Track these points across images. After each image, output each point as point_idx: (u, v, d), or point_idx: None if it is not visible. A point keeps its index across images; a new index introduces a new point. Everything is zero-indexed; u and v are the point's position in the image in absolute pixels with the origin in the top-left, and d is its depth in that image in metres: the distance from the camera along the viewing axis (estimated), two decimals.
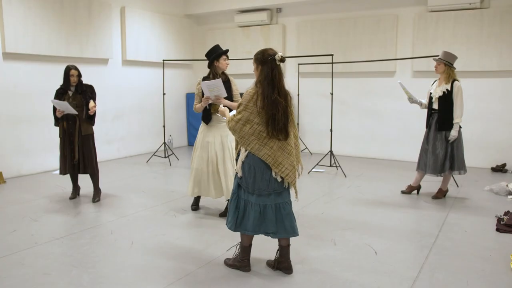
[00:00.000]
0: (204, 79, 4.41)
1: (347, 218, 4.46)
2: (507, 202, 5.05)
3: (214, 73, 4.40)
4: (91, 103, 4.83)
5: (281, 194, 3.05)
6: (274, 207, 3.02)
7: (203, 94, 4.30)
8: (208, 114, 4.44)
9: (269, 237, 3.08)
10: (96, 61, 7.58)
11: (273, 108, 2.88)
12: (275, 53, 2.94)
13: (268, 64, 2.93)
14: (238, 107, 2.99)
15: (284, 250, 3.16)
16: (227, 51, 4.46)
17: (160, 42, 8.77)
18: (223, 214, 4.49)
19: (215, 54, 4.37)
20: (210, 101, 4.25)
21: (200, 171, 4.43)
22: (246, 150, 2.99)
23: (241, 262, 3.21)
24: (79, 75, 4.90)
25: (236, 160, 3.10)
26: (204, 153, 4.42)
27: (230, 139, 4.43)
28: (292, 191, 3.11)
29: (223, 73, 4.49)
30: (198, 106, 4.37)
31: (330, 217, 4.49)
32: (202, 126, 4.53)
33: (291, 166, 3.00)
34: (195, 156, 4.50)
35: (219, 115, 3.26)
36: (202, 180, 4.44)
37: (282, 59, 2.94)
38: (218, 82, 4.15)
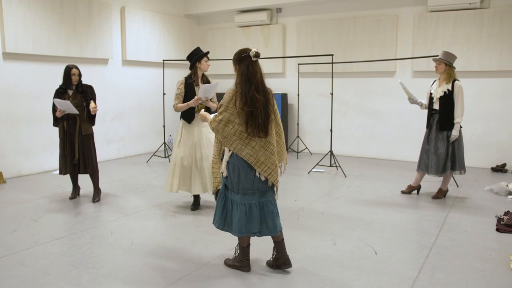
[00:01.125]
0: (186, 79, 4.58)
1: (347, 218, 4.46)
2: (507, 202, 5.05)
3: (195, 74, 4.57)
4: (92, 104, 4.84)
5: (265, 193, 3.07)
6: (258, 206, 3.04)
7: (186, 94, 4.50)
8: (191, 113, 4.56)
9: (255, 236, 3.13)
10: (96, 61, 7.58)
11: (251, 105, 2.88)
12: (249, 50, 2.95)
13: (244, 62, 2.95)
14: (219, 107, 3.00)
15: (279, 245, 3.17)
16: (207, 53, 4.61)
17: (160, 42, 8.77)
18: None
19: (197, 56, 4.52)
20: (199, 102, 4.40)
21: (186, 167, 4.54)
22: (229, 150, 3.01)
23: (240, 262, 3.21)
24: (80, 75, 4.91)
25: (221, 160, 3.12)
26: (188, 150, 4.55)
27: (211, 137, 4.61)
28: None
29: (203, 74, 4.64)
30: (182, 105, 4.49)
31: (330, 217, 4.49)
32: (183, 124, 4.64)
33: (273, 166, 3.01)
34: (180, 153, 4.57)
35: (201, 118, 3.30)
36: (186, 176, 4.56)
37: (257, 54, 2.93)
38: (216, 85, 4.43)
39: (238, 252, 3.25)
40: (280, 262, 3.18)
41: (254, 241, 3.28)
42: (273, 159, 3.01)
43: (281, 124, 3.13)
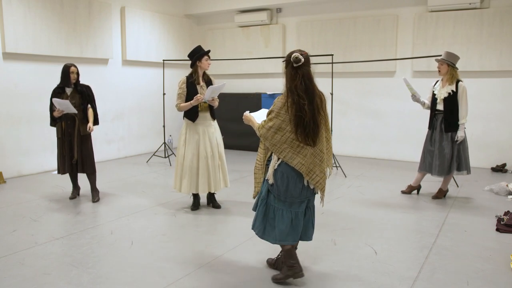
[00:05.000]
0: (188, 78, 4.59)
1: (347, 218, 4.46)
2: (507, 202, 5.05)
3: (196, 72, 4.59)
4: (89, 124, 4.93)
5: (311, 201, 2.97)
6: (303, 214, 2.92)
7: (188, 93, 4.52)
8: (195, 112, 4.56)
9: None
10: (96, 61, 7.58)
11: (300, 112, 2.70)
12: (290, 55, 2.75)
13: (288, 67, 2.78)
14: (269, 114, 2.84)
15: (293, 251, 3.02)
16: (208, 51, 4.61)
17: (160, 42, 8.77)
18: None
19: (198, 55, 4.53)
20: (201, 101, 4.45)
21: (193, 167, 4.56)
22: (278, 158, 2.84)
23: (292, 269, 2.95)
24: (78, 74, 4.91)
25: (267, 165, 2.96)
26: (195, 150, 4.56)
27: (217, 136, 4.68)
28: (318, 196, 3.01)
29: (204, 73, 4.66)
30: (185, 105, 4.50)
31: (330, 217, 4.48)
32: (187, 123, 4.64)
33: (322, 173, 2.86)
34: (186, 153, 4.58)
35: (244, 120, 3.12)
36: (193, 176, 4.58)
37: (297, 60, 2.71)
38: (223, 86, 4.47)
39: (284, 260, 3.02)
40: (281, 265, 3.10)
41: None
42: (322, 167, 2.86)
43: (330, 129, 2.97)
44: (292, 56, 2.72)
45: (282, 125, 2.76)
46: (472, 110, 6.74)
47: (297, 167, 2.78)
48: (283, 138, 2.76)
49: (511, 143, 6.85)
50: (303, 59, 2.70)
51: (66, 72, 4.83)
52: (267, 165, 2.97)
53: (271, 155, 2.93)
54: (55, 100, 4.73)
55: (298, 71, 2.72)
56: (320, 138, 2.82)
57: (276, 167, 2.84)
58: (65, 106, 4.71)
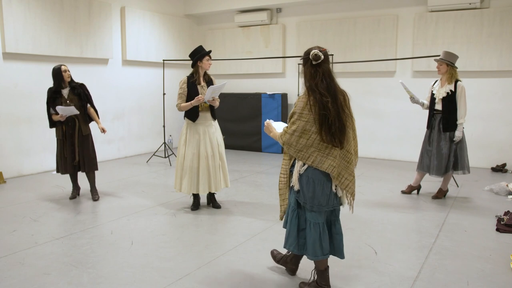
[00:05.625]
0: (189, 78, 4.59)
1: (347, 218, 4.46)
2: (507, 202, 5.05)
3: (197, 72, 4.59)
4: (101, 126, 5.06)
5: (336, 211, 2.78)
6: (327, 224, 2.75)
7: (188, 93, 4.52)
8: (196, 112, 4.56)
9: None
10: (96, 61, 7.58)
11: (324, 110, 2.52)
12: (309, 52, 2.60)
13: (306, 64, 2.63)
14: (291, 117, 2.64)
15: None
16: (210, 52, 4.61)
17: (160, 42, 8.77)
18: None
19: (199, 55, 4.53)
20: (202, 101, 4.46)
21: (193, 167, 4.56)
22: (304, 164, 2.64)
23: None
24: (69, 71, 4.90)
25: (291, 171, 2.77)
26: (195, 149, 4.56)
27: (217, 136, 4.68)
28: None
29: (205, 73, 4.66)
30: (186, 105, 4.51)
31: None
32: (187, 123, 4.64)
33: (351, 176, 2.67)
34: (186, 153, 4.59)
35: (265, 130, 2.95)
36: (194, 176, 4.58)
37: (316, 57, 2.55)
38: (223, 85, 4.48)
39: (316, 276, 2.87)
40: (286, 264, 3.01)
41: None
42: (351, 169, 2.67)
43: (355, 129, 2.76)
44: (311, 53, 2.57)
45: (306, 127, 2.56)
46: (472, 110, 6.77)
47: (329, 170, 2.57)
48: (309, 141, 2.56)
49: (511, 143, 6.86)
50: (322, 56, 2.57)
51: (59, 73, 4.80)
52: (291, 171, 2.77)
53: (294, 161, 2.75)
54: (58, 108, 4.72)
55: (318, 68, 2.58)
56: (347, 138, 2.63)
57: (301, 172, 2.64)
58: (69, 111, 4.74)
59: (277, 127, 2.92)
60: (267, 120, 2.96)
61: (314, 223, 2.66)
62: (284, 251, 3.10)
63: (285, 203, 2.80)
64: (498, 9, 6.68)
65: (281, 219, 2.87)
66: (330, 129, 2.52)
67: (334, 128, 2.53)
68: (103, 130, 5.03)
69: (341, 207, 2.79)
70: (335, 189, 2.65)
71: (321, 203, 2.63)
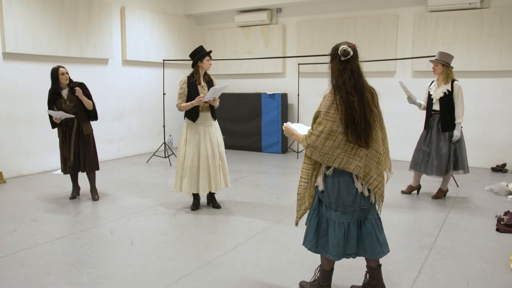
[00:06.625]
0: (189, 78, 4.60)
1: None
2: (507, 202, 5.05)
3: (197, 73, 4.60)
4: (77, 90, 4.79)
5: (367, 211, 2.62)
6: (356, 224, 2.60)
7: (188, 93, 4.53)
8: (196, 112, 4.56)
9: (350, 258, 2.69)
10: (96, 61, 7.58)
11: (350, 109, 2.41)
12: (338, 47, 2.47)
13: (334, 61, 2.50)
14: (316, 117, 2.51)
15: (375, 272, 2.72)
16: (210, 52, 4.62)
17: (160, 42, 8.77)
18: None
19: (199, 55, 4.53)
20: (205, 101, 4.48)
21: (193, 167, 4.57)
22: (330, 167, 2.53)
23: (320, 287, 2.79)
24: (68, 73, 4.89)
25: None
26: (195, 149, 4.57)
27: (217, 136, 4.69)
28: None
29: (206, 73, 4.67)
30: (186, 105, 4.51)
31: None
32: (188, 123, 4.64)
33: (380, 177, 2.56)
34: (186, 153, 4.59)
35: (286, 134, 2.81)
36: (194, 176, 4.58)
37: (345, 53, 2.43)
38: (225, 87, 4.52)
39: (318, 275, 2.82)
40: None
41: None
42: (380, 169, 2.56)
43: (385, 128, 2.64)
44: (340, 48, 2.44)
45: (333, 128, 2.42)
46: (472, 110, 6.78)
47: (356, 171, 2.47)
48: (336, 143, 2.44)
49: (511, 143, 6.85)
50: (352, 52, 2.44)
51: (55, 75, 4.80)
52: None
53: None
54: (50, 112, 4.77)
55: (347, 65, 2.45)
56: (374, 137, 2.51)
57: (328, 174, 2.55)
58: (61, 115, 4.77)
59: (297, 128, 2.78)
60: (285, 123, 2.82)
61: (338, 222, 2.56)
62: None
63: (302, 208, 2.70)
64: (498, 9, 6.68)
65: (297, 224, 2.77)
66: (356, 129, 2.41)
67: (360, 128, 2.42)
68: (77, 91, 4.79)
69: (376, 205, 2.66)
70: (362, 189, 2.53)
71: (346, 203, 2.54)
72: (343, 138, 2.43)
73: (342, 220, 2.55)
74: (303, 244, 2.75)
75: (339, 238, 2.55)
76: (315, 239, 2.66)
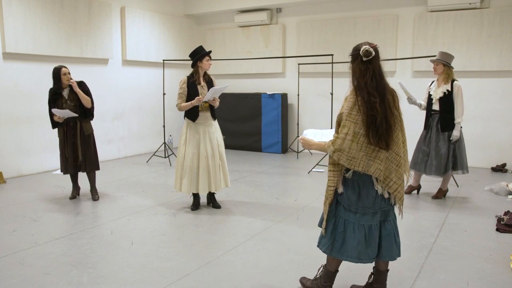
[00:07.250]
0: (189, 78, 4.61)
1: None
2: (507, 202, 5.05)
3: (197, 73, 4.60)
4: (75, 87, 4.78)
5: (387, 212, 2.58)
6: (378, 227, 2.55)
7: (188, 93, 4.54)
8: (196, 112, 4.57)
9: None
10: (96, 61, 7.58)
11: (372, 111, 2.37)
12: (359, 48, 2.45)
13: (355, 62, 2.50)
14: (340, 119, 2.47)
15: (381, 275, 2.71)
16: (209, 52, 4.62)
17: (160, 42, 8.77)
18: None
19: (199, 55, 4.54)
20: (204, 100, 4.49)
21: (193, 167, 4.57)
22: (350, 169, 2.48)
23: (321, 287, 2.77)
24: (70, 73, 4.88)
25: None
26: (195, 149, 4.57)
27: (217, 135, 4.69)
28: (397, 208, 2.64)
29: (205, 73, 4.68)
30: (186, 105, 4.52)
31: None
32: (188, 123, 4.65)
33: (400, 180, 2.50)
34: (186, 153, 4.60)
35: (304, 146, 2.70)
36: (193, 175, 4.59)
37: (367, 53, 2.39)
38: (225, 88, 4.52)
39: (321, 274, 2.80)
40: None
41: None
42: (400, 172, 2.50)
43: (405, 130, 2.59)
44: (362, 49, 2.41)
45: (356, 129, 2.38)
46: (472, 110, 6.78)
47: (376, 174, 2.42)
48: (359, 145, 2.38)
49: (511, 143, 6.85)
50: (374, 52, 2.40)
51: (57, 75, 4.80)
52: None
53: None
54: (55, 110, 4.75)
55: (369, 65, 2.42)
56: (395, 140, 2.46)
57: (348, 176, 2.51)
58: (65, 114, 4.75)
59: (312, 135, 2.73)
60: (300, 136, 2.73)
61: (358, 224, 2.52)
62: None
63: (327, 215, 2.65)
64: (498, 9, 6.68)
65: (325, 233, 2.66)
66: (377, 131, 2.37)
67: (381, 129, 2.37)
68: (72, 82, 4.78)
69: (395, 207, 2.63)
70: (382, 191, 2.49)
71: (366, 205, 2.49)
72: (364, 140, 2.38)
73: (362, 222, 2.51)
74: (318, 246, 2.71)
75: (359, 240, 2.51)
76: (331, 242, 2.61)
